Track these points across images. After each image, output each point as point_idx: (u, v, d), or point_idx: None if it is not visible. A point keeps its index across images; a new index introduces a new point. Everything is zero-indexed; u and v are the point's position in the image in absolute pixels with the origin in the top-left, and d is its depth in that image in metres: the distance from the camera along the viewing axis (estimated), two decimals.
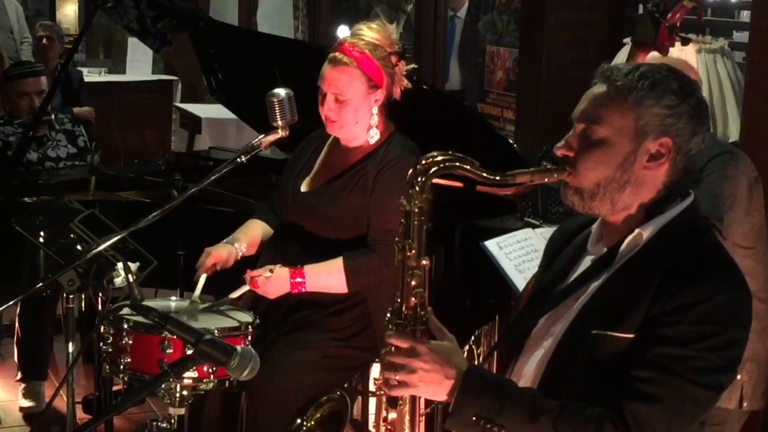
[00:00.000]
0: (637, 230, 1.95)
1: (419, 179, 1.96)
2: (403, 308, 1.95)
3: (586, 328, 1.93)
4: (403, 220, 1.96)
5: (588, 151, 1.94)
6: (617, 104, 1.92)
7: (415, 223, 1.96)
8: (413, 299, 1.95)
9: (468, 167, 1.95)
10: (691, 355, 1.83)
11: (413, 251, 1.95)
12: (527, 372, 2.04)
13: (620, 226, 1.98)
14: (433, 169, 1.96)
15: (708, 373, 1.84)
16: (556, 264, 2.14)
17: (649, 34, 2.90)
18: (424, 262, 1.95)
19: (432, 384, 1.88)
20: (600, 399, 1.88)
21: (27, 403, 4.41)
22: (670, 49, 3.07)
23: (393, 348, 1.91)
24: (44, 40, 6.67)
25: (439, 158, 1.95)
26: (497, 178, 1.96)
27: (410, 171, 1.97)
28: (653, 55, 3.02)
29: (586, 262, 2.05)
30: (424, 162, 1.96)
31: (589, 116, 1.95)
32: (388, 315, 1.96)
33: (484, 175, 1.95)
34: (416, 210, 1.96)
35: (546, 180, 1.99)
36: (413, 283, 1.95)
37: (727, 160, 2.87)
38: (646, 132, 1.91)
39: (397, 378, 1.89)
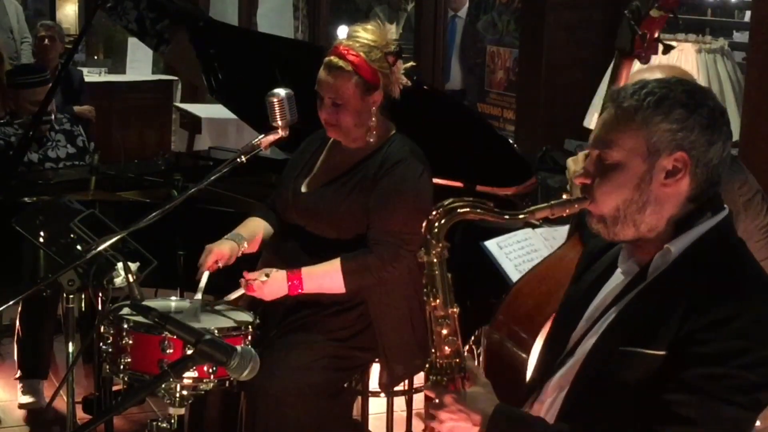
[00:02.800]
0: (665, 246, 1.92)
1: (435, 228, 1.95)
2: (438, 359, 1.98)
3: (614, 345, 1.91)
4: (425, 271, 1.97)
5: (604, 177, 1.92)
6: (626, 126, 1.90)
7: (437, 272, 1.96)
8: (447, 348, 1.97)
9: (483, 211, 1.94)
10: (726, 373, 1.78)
11: (438, 301, 1.96)
12: (556, 390, 2.03)
13: (650, 242, 1.95)
14: (447, 218, 1.95)
15: (745, 392, 1.80)
16: (585, 278, 2.12)
17: (626, 42, 2.87)
18: (451, 310, 1.96)
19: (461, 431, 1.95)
20: (628, 419, 1.85)
21: (26, 399, 4.40)
22: (675, 50, 3.04)
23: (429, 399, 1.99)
24: (46, 41, 6.67)
25: (452, 205, 1.95)
26: (518, 217, 1.96)
27: (425, 223, 1.96)
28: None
29: (617, 277, 2.03)
30: (435, 213, 1.95)
31: (601, 141, 1.93)
32: (427, 366, 2.00)
33: (502, 216, 1.95)
34: (435, 260, 1.96)
35: (567, 212, 1.98)
36: (444, 332, 1.96)
37: None
38: (658, 150, 1.88)
39: (433, 426, 1.97)
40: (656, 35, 2.83)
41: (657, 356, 1.84)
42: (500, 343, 2.85)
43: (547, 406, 2.04)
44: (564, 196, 1.98)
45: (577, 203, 1.96)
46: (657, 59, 2.95)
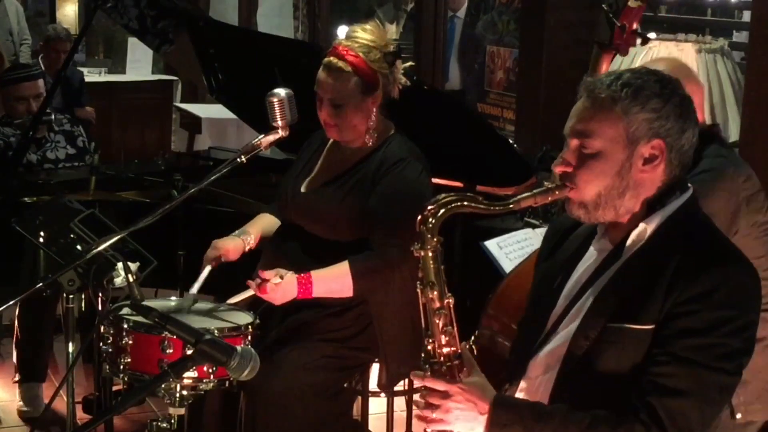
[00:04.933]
0: (641, 225, 2.01)
1: (428, 223, 2.03)
2: (436, 349, 2.03)
3: (601, 322, 1.98)
4: (420, 264, 2.04)
5: (586, 165, 2.00)
6: (606, 116, 1.98)
7: (432, 265, 2.03)
8: (444, 338, 2.02)
9: (473, 204, 2.02)
10: (713, 342, 1.89)
11: (435, 293, 2.02)
12: (541, 369, 2.08)
13: (625, 222, 2.04)
14: (441, 212, 2.02)
15: (731, 359, 1.90)
16: (558, 257, 2.18)
17: (605, 35, 2.92)
18: (447, 300, 2.03)
19: (468, 421, 1.99)
20: (621, 393, 1.92)
21: (24, 408, 4.41)
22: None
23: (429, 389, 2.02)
24: (62, 55, 6.52)
25: (445, 200, 2.03)
26: (502, 207, 2.03)
27: (418, 218, 2.03)
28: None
29: (590, 255, 2.11)
30: (430, 207, 2.03)
31: (581, 131, 2.01)
32: (423, 356, 2.04)
33: (491, 208, 2.03)
34: (431, 254, 2.03)
35: (549, 199, 2.05)
36: (441, 323, 2.02)
37: (706, 180, 2.71)
38: (637, 138, 1.97)
39: (434, 416, 2.00)
40: (634, 27, 2.88)
41: (645, 330, 1.93)
42: (492, 338, 2.87)
43: (535, 385, 2.09)
44: (545, 184, 2.04)
45: (559, 190, 2.03)
46: (634, 51, 2.98)
